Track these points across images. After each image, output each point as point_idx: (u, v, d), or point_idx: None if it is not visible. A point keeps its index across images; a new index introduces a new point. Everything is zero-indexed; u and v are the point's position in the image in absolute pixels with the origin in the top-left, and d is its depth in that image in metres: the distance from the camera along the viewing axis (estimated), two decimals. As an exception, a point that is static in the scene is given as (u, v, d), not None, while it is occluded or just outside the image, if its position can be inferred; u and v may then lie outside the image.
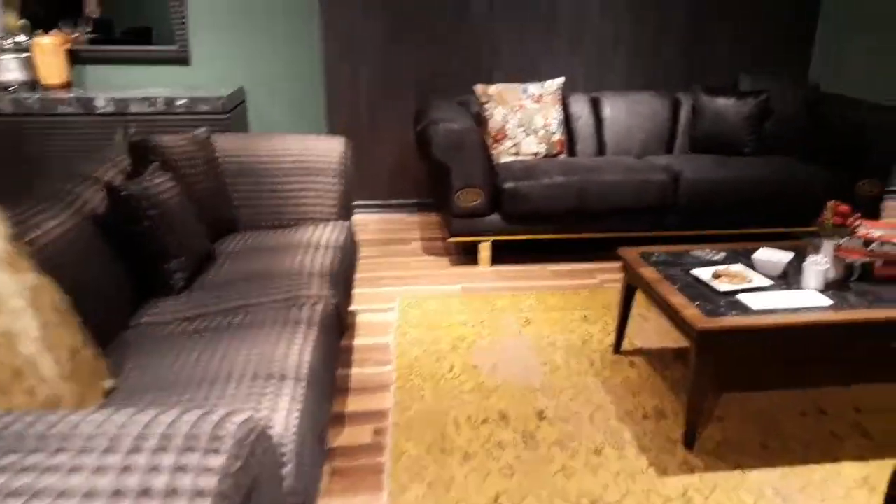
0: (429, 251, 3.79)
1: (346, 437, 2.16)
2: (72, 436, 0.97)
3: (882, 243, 2.22)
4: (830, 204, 2.17)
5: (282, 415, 1.43)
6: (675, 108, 4.08)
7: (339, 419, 2.24)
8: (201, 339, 1.80)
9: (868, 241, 2.24)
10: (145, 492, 0.88)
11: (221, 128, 3.55)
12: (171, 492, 0.88)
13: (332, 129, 4.26)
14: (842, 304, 2.07)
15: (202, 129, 2.64)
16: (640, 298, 2.44)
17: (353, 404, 2.33)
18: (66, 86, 3.79)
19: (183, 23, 3.94)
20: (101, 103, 3.55)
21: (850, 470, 2.00)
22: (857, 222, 2.23)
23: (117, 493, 0.87)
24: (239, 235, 2.62)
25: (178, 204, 2.15)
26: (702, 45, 4.35)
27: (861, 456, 2.06)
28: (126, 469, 0.91)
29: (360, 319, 2.96)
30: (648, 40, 4.32)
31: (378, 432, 2.18)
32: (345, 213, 2.78)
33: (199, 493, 0.88)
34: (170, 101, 3.59)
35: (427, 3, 4.08)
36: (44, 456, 0.93)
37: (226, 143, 2.76)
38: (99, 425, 1.00)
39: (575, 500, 1.88)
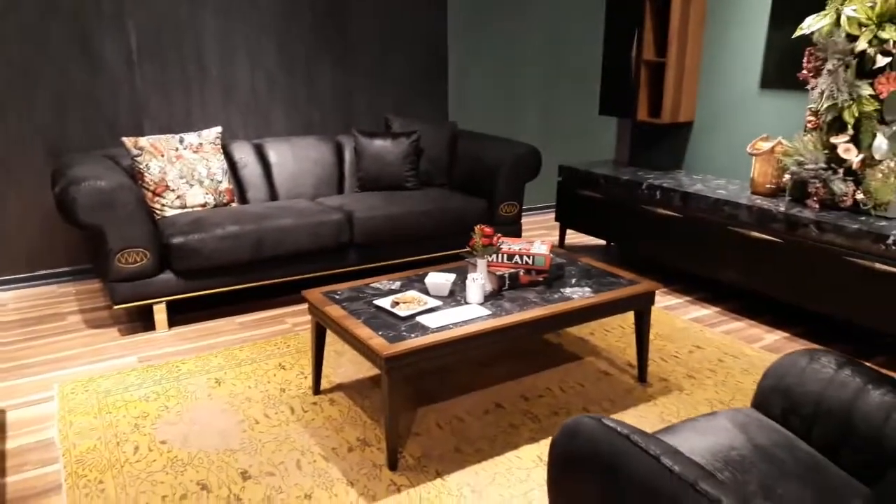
0: (93, 323, 3.33)
1: (5, 565, 1.77)
2: None
3: (521, 256, 2.62)
4: (477, 228, 2.48)
5: None
6: (339, 150, 4.28)
7: (-7, 546, 1.83)
8: None
9: (511, 255, 2.62)
10: None
11: None
12: None
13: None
14: (499, 311, 2.39)
15: None
16: (332, 335, 2.48)
17: (12, 523, 1.92)
18: None
19: None
20: None
21: (527, 453, 2.30)
22: (500, 240, 2.60)
23: None
24: None
25: None
26: (350, 90, 4.66)
27: (533, 438, 2.39)
28: None
29: (11, 418, 2.46)
30: (300, 88, 4.47)
31: (49, 548, 1.83)
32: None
33: None
34: None
35: (45, 53, 3.63)
36: None
37: None
38: None
39: (292, 555, 1.81)
